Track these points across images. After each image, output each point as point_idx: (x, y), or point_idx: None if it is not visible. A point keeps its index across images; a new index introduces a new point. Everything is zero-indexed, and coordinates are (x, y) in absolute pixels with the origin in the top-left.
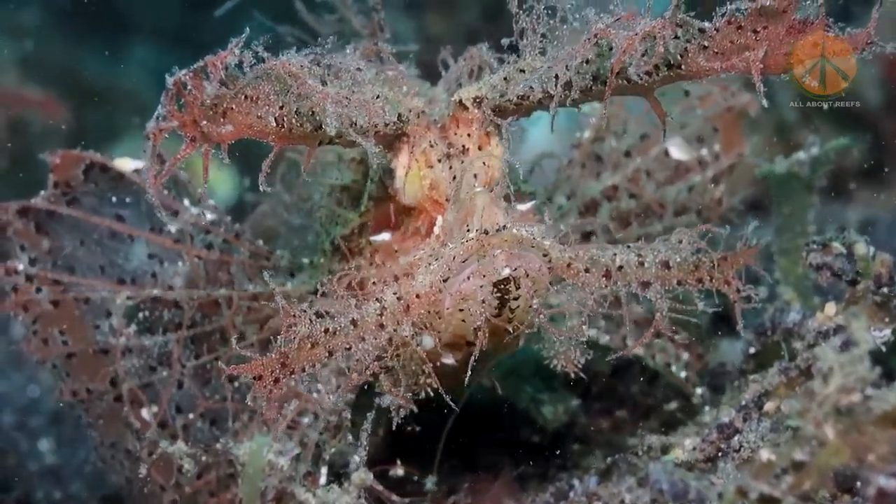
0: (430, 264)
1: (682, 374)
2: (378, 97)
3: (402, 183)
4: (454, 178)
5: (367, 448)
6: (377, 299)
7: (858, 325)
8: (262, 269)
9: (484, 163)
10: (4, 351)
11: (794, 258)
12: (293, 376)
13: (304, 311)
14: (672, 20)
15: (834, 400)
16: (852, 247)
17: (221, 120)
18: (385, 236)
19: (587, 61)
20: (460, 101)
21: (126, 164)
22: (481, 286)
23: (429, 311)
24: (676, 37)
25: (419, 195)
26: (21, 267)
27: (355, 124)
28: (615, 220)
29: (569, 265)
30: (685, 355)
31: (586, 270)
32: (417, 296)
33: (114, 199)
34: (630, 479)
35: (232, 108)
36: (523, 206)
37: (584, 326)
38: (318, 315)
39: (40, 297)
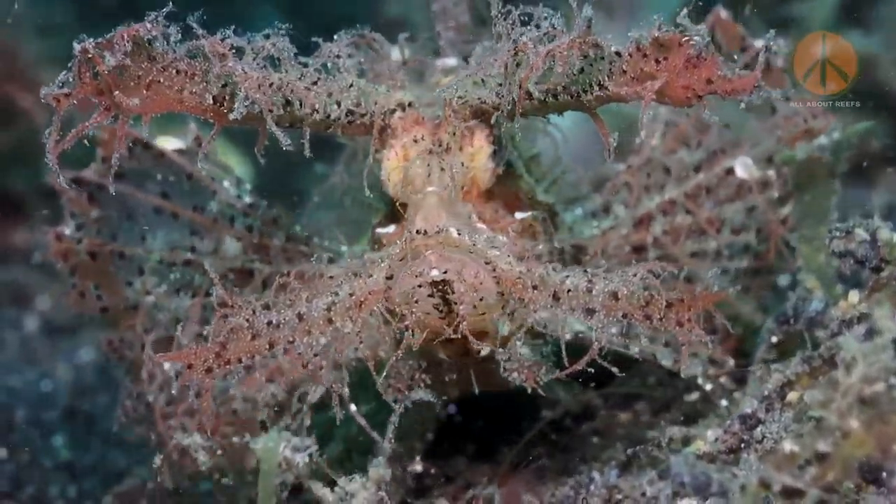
0: (383, 261)
1: (709, 387)
2: (352, 86)
3: (385, 175)
4: (429, 174)
5: (393, 442)
6: (331, 294)
7: (882, 313)
8: (299, 254)
9: (462, 163)
10: (17, 346)
11: (816, 245)
12: (228, 367)
13: (249, 302)
14: (580, 41)
15: (857, 390)
16: (876, 233)
17: (144, 92)
18: (391, 228)
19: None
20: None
21: (168, 142)
22: (419, 286)
23: (384, 309)
24: (602, 58)
25: (399, 189)
26: (67, 232)
27: (289, 109)
28: (668, 235)
29: (516, 280)
30: (731, 361)
31: (534, 288)
32: (371, 292)
33: (158, 176)
34: (651, 472)
35: (159, 82)
36: (521, 214)
37: (518, 342)
38: (265, 307)
39: (79, 247)
